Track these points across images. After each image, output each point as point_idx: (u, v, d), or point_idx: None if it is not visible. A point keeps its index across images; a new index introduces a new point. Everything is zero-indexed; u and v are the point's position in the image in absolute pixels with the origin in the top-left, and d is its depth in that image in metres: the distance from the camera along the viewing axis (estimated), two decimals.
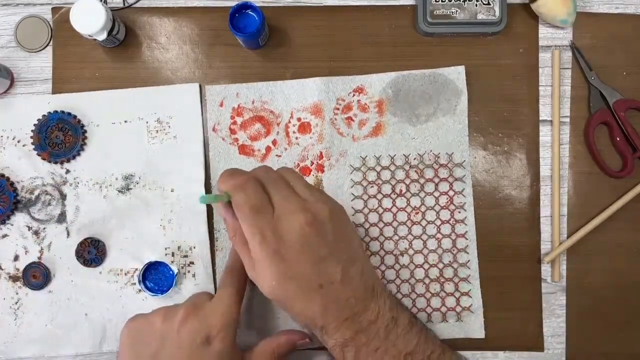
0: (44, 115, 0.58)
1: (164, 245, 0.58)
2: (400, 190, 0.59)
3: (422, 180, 0.59)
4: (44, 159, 0.58)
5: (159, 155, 0.58)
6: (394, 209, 0.59)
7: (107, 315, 0.58)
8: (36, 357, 0.57)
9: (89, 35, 0.54)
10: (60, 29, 0.59)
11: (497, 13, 0.58)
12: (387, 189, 0.59)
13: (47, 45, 0.59)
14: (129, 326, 0.50)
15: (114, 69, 0.59)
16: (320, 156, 0.59)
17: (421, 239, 0.58)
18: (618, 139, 0.59)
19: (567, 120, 0.60)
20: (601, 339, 0.59)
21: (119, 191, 0.58)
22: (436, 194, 0.59)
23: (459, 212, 0.59)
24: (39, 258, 0.58)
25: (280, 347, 0.52)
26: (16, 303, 0.58)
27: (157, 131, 0.58)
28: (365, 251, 0.58)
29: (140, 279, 0.57)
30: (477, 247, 0.58)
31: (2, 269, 0.58)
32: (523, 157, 0.60)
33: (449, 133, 0.59)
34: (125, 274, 0.58)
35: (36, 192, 0.58)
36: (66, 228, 0.58)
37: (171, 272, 0.57)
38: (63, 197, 0.58)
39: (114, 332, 0.57)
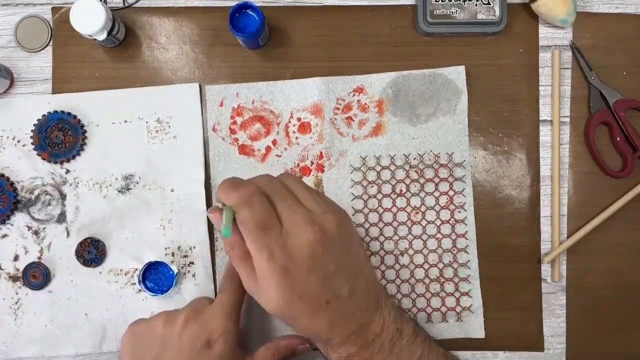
0: (43, 115, 0.58)
1: (164, 245, 0.58)
2: (400, 190, 0.59)
3: (422, 180, 0.59)
4: (44, 159, 0.58)
5: (159, 155, 0.58)
6: (394, 209, 0.59)
7: (107, 315, 0.57)
8: (36, 357, 0.57)
9: (89, 35, 0.54)
10: (60, 29, 0.59)
11: (497, 13, 0.58)
12: (387, 188, 0.59)
13: (47, 45, 0.59)
14: (130, 330, 0.50)
15: (114, 69, 0.59)
16: (320, 156, 0.58)
17: (421, 239, 0.58)
18: (618, 139, 0.59)
19: (567, 120, 0.60)
20: (601, 339, 0.59)
21: (119, 191, 0.58)
22: (436, 193, 0.59)
23: (459, 212, 0.59)
24: (39, 258, 0.58)
25: (280, 351, 0.52)
26: (16, 303, 0.58)
27: (157, 131, 0.58)
28: (369, 259, 0.58)
29: (140, 279, 0.57)
30: (477, 247, 0.58)
31: (2, 269, 0.58)
32: (523, 157, 0.60)
33: (449, 133, 0.59)
34: (125, 274, 0.58)
35: (36, 192, 0.58)
36: (66, 228, 0.58)
37: (171, 272, 0.57)
38: (63, 197, 0.58)
39: (114, 332, 0.57)
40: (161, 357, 0.48)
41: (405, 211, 0.59)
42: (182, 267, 0.58)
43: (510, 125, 0.60)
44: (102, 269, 0.58)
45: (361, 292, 0.46)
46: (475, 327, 0.58)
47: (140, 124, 0.58)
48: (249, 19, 0.55)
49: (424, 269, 0.58)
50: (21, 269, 0.57)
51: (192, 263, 0.58)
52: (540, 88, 0.60)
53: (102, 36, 0.54)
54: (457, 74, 0.59)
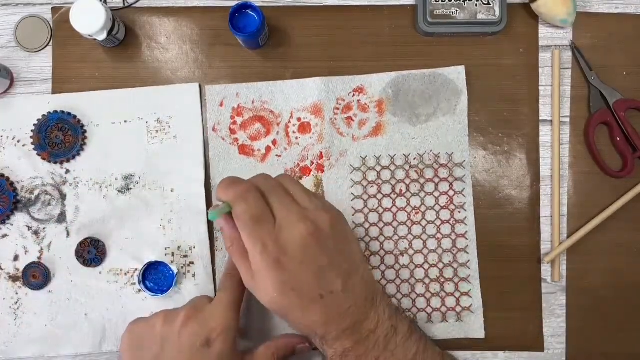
0: (43, 115, 0.58)
1: (164, 245, 0.58)
2: (400, 190, 0.59)
3: (422, 180, 0.59)
4: (43, 159, 0.58)
5: (159, 155, 0.58)
6: (394, 209, 0.59)
7: (107, 315, 0.57)
8: (36, 357, 0.57)
9: (89, 35, 0.54)
10: (60, 29, 0.59)
11: (497, 13, 0.58)
12: (387, 189, 0.59)
13: (47, 45, 0.59)
14: (129, 330, 0.51)
15: (114, 69, 0.59)
16: (320, 156, 0.58)
17: (421, 239, 0.58)
18: (618, 139, 0.59)
19: (567, 120, 0.60)
20: (601, 339, 0.59)
21: (119, 191, 0.58)
22: (436, 194, 0.59)
23: (459, 212, 0.59)
24: (39, 258, 0.58)
25: (280, 350, 0.52)
26: (16, 303, 0.58)
27: (157, 131, 0.58)
28: (365, 258, 0.58)
29: (140, 279, 0.57)
30: (477, 247, 0.58)
31: (2, 269, 0.58)
32: (523, 157, 0.60)
33: (449, 133, 0.59)
34: (125, 274, 0.58)
35: (36, 192, 0.58)
36: (66, 228, 0.58)
37: (171, 272, 0.57)
38: (63, 197, 0.58)
39: (114, 332, 0.57)
40: (161, 356, 0.48)
41: (405, 211, 0.59)
42: (182, 267, 0.58)
43: (510, 125, 0.60)
44: (102, 269, 0.58)
45: (355, 289, 0.47)
46: (475, 327, 0.58)
47: (140, 124, 0.58)
48: (249, 19, 0.55)
49: (424, 269, 0.58)
50: (21, 269, 0.57)
51: (192, 263, 0.58)
52: (540, 88, 0.60)
53: (102, 36, 0.54)
54: (457, 74, 0.59)
